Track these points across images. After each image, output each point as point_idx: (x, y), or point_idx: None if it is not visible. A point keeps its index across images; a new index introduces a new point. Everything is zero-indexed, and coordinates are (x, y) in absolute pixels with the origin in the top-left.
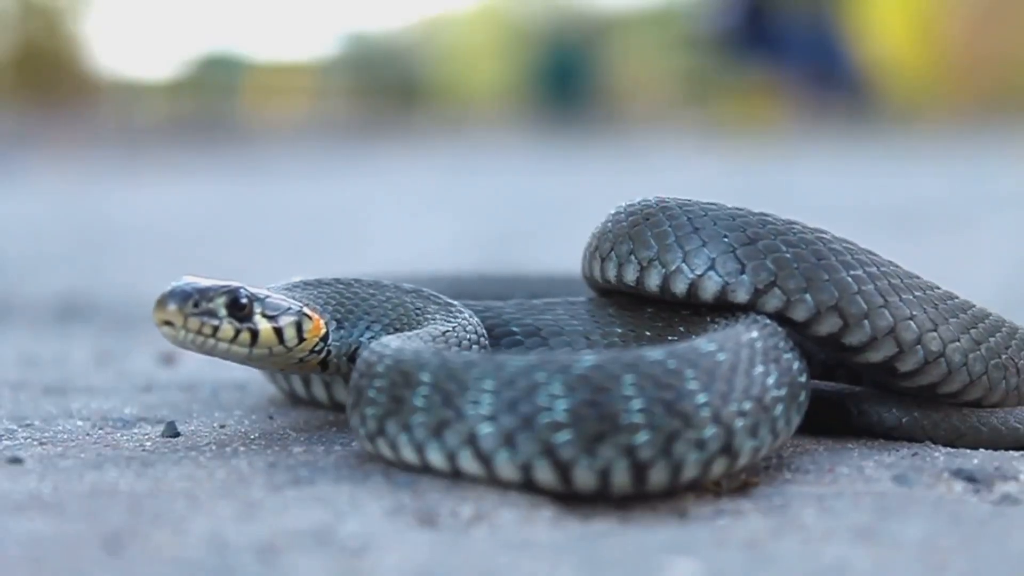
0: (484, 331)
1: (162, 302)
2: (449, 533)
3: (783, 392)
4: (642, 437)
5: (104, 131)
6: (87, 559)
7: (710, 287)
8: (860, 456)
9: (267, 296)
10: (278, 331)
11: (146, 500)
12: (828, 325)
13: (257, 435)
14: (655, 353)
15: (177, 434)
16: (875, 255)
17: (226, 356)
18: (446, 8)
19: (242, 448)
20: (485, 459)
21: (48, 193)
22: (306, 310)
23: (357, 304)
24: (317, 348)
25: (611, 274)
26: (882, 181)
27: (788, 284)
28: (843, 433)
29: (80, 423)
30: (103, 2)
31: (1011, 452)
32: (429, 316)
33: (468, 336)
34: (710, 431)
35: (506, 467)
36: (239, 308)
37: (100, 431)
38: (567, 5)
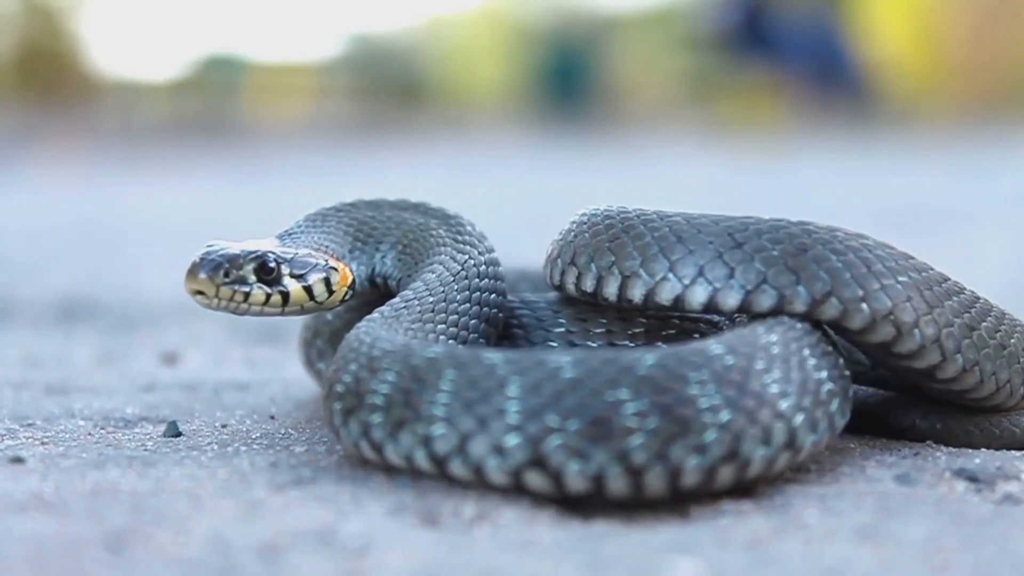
0: (497, 269)
1: (193, 271)
2: (451, 533)
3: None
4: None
5: (105, 131)
6: (89, 559)
7: (764, 301)
8: (862, 456)
9: (294, 255)
10: (307, 289)
11: (148, 500)
12: (882, 334)
13: (259, 435)
14: (649, 357)
15: (179, 434)
16: (913, 258)
17: (260, 315)
18: (448, 8)
19: (244, 448)
20: (439, 461)
21: (49, 193)
22: (332, 262)
23: (375, 228)
24: (347, 297)
25: (637, 294)
26: (884, 181)
27: (844, 294)
28: (843, 432)
29: (82, 423)
30: (104, 2)
31: (1013, 452)
32: (440, 242)
33: (472, 279)
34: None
35: (459, 468)
36: (268, 272)
37: (102, 431)
38: (568, 5)
